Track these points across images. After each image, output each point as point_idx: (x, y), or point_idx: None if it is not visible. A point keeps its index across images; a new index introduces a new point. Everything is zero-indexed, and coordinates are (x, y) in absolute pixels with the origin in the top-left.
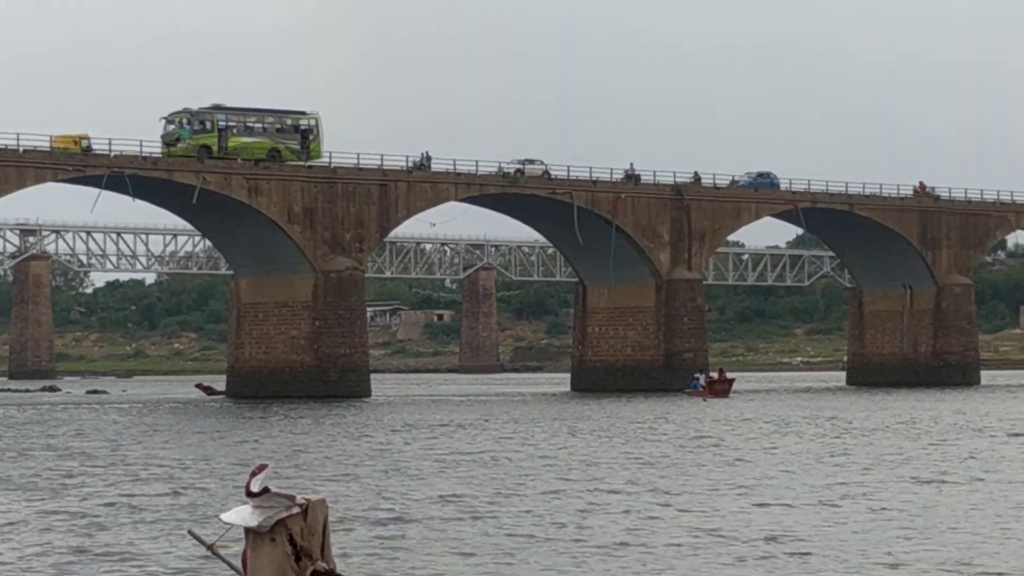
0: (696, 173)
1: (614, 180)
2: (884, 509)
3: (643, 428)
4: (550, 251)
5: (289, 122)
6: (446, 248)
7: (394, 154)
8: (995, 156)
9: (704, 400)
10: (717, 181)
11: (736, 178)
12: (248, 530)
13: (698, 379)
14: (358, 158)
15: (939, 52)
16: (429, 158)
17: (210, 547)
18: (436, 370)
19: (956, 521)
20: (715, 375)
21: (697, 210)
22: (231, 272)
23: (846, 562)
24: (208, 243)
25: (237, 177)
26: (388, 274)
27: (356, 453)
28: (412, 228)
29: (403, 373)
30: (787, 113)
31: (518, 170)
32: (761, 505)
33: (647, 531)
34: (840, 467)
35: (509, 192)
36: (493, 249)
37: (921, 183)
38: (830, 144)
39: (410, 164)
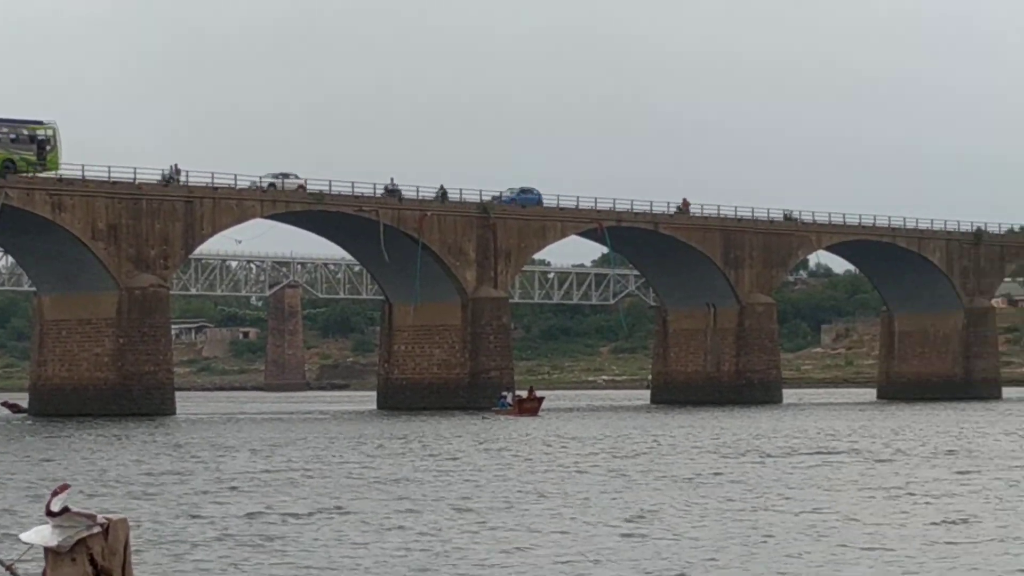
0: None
1: (421, 198)
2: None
3: (449, 446)
4: (356, 269)
5: (25, 132)
6: (252, 265)
7: (146, 168)
8: (797, 181)
9: (513, 418)
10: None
11: (500, 193)
12: (48, 550)
13: (505, 397)
14: (109, 170)
15: (753, 62)
16: (178, 171)
17: (9, 567)
18: (242, 388)
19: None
20: (524, 393)
21: (503, 228)
22: (34, 289)
23: None
24: (11, 259)
25: (40, 193)
26: (193, 291)
27: (158, 472)
28: (218, 245)
29: (208, 391)
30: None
31: (271, 184)
32: (562, 532)
33: (451, 549)
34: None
35: (315, 209)
36: (299, 267)
37: (684, 200)
38: (636, 165)
39: (165, 176)
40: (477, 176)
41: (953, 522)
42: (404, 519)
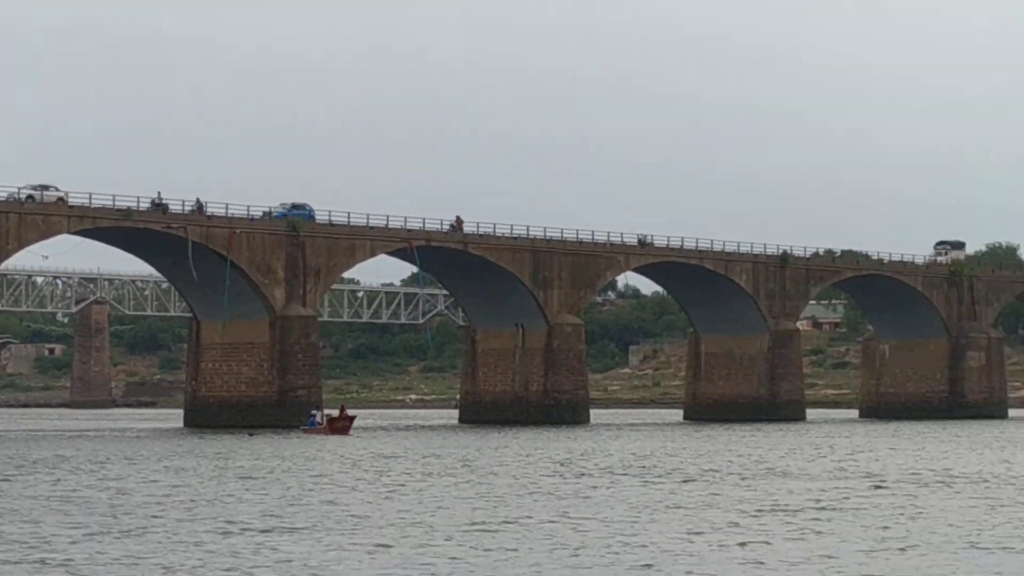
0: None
1: (230, 215)
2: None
3: (263, 466)
4: (164, 286)
5: None
6: (58, 281)
7: None
8: (602, 198)
9: (324, 436)
10: (333, 218)
11: (271, 208)
12: None
13: (315, 416)
14: None
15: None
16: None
17: None
18: (47, 405)
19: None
20: (336, 412)
21: (312, 246)
22: None
23: None
24: None
25: None
26: None
27: None
28: (23, 260)
29: (12, 408)
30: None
31: (29, 196)
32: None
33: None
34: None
35: (123, 226)
36: (106, 283)
37: (458, 217)
38: (443, 181)
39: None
40: (287, 194)
41: (756, 542)
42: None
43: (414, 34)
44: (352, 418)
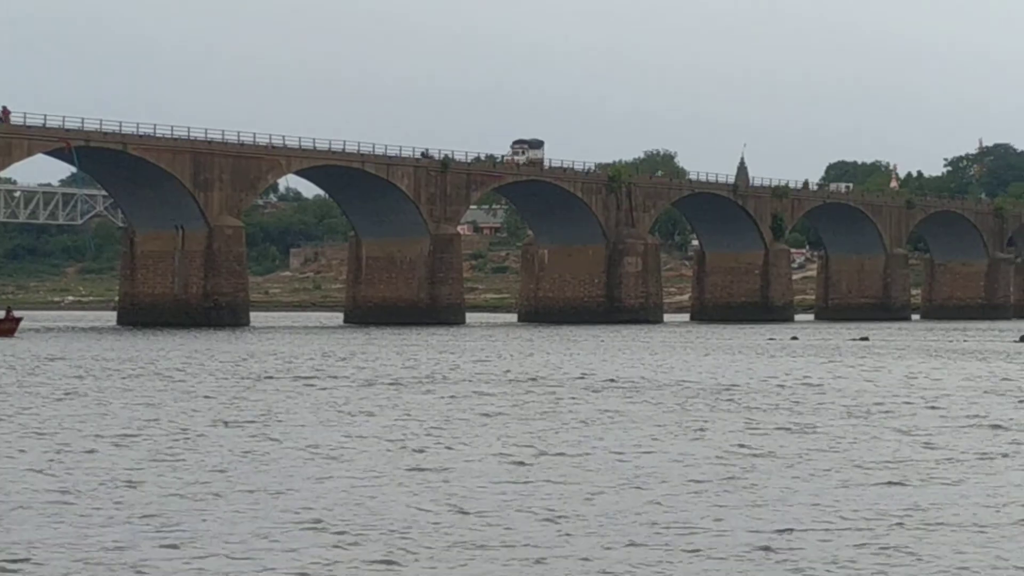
0: None
1: None
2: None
3: None
4: None
5: None
6: None
7: None
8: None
9: None
10: None
11: None
12: None
13: None
14: None
15: None
16: None
17: None
18: None
19: None
20: (2, 313)
21: None
22: None
23: None
24: None
25: None
26: None
27: None
28: None
29: None
30: None
31: None
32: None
33: None
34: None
35: None
36: None
37: (4, 107)
38: (105, 79)
39: None
40: None
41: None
42: None
43: None
44: (19, 320)
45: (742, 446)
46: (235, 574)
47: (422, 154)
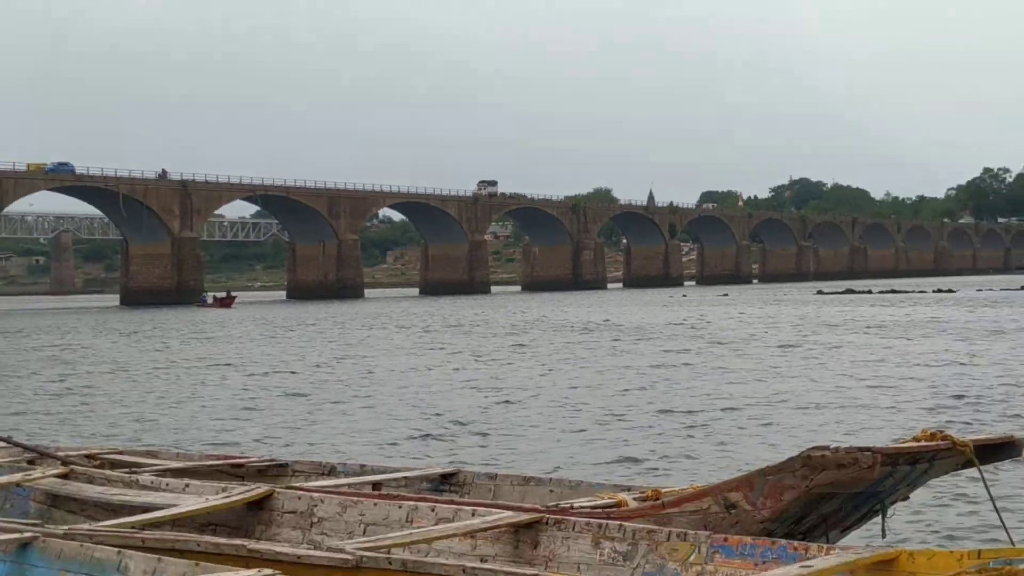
0: None
1: (146, 177)
2: None
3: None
4: (104, 220)
5: None
6: (40, 219)
7: None
8: (369, 154)
9: (215, 309)
10: (196, 177)
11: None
12: None
13: (206, 297)
14: None
15: None
16: None
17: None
18: (35, 293)
19: None
20: (223, 294)
21: (196, 196)
22: None
23: None
24: None
25: None
26: None
27: None
28: (16, 207)
29: (12, 296)
30: None
31: None
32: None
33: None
34: None
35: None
36: (70, 219)
37: (164, 170)
38: (273, 144)
39: None
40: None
41: None
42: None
43: None
44: (234, 297)
45: (655, 364)
46: (377, 430)
47: (477, 190)
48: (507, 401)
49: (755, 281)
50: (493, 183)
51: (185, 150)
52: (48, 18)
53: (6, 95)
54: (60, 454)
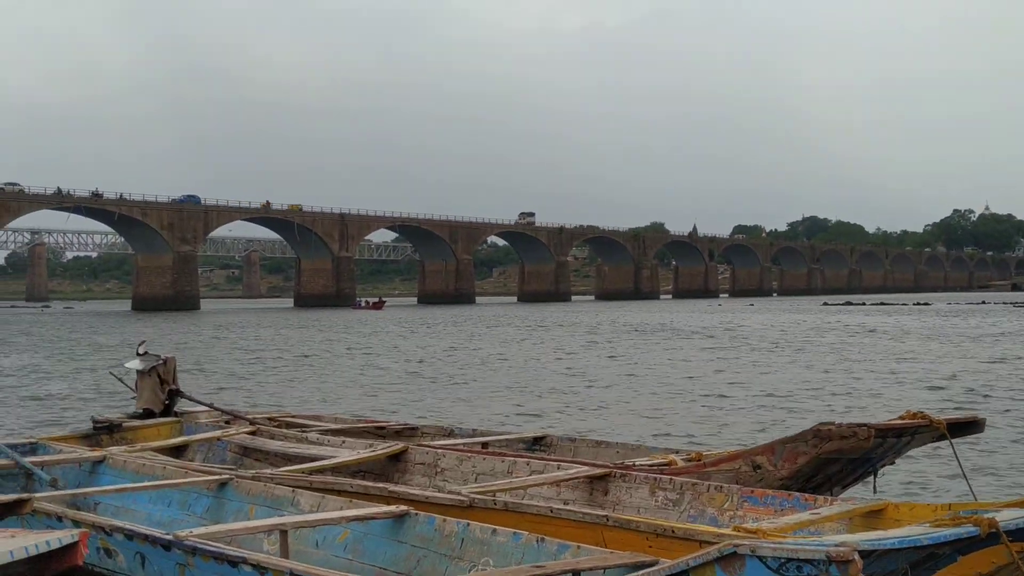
0: None
1: (329, 211)
2: None
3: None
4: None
5: None
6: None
7: None
8: (478, 189)
9: (368, 311)
10: (349, 210)
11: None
12: (139, 371)
13: (360, 301)
14: None
15: None
16: None
17: (119, 378)
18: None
19: None
20: (375, 299)
21: (352, 224)
22: None
23: None
24: None
25: None
26: None
27: None
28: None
29: None
30: None
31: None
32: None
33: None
34: None
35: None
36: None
37: (381, 299)
38: (401, 189)
39: None
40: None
41: None
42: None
43: None
44: (384, 302)
45: (701, 357)
46: (485, 403)
47: (519, 219)
48: (588, 384)
49: (775, 295)
50: (531, 214)
51: (342, 184)
52: (228, 79)
53: (216, 150)
54: (249, 416)
